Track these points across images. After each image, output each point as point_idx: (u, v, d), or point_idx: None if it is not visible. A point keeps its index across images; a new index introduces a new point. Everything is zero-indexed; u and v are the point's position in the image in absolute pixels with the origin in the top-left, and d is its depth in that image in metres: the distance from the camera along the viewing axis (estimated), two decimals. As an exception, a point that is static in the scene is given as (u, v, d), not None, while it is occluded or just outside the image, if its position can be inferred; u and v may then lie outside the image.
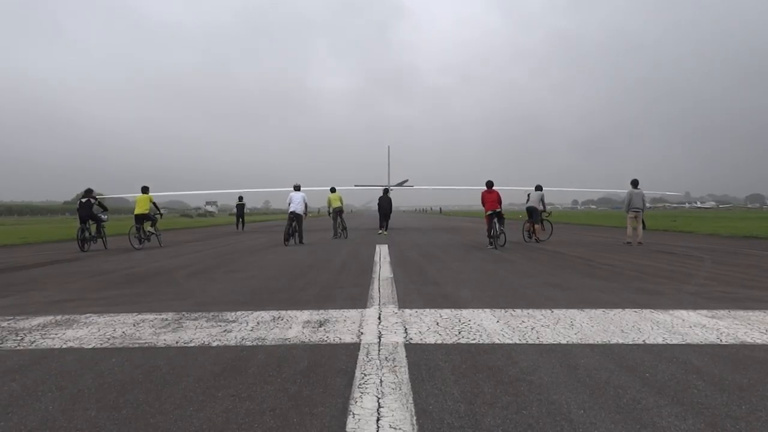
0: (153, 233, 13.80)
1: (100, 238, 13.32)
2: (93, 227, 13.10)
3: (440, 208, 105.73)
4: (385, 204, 19.60)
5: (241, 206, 25.63)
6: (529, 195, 14.82)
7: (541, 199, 14.35)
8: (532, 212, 14.21)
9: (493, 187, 12.59)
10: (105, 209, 13.71)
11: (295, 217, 14.03)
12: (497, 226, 12.05)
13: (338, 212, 16.95)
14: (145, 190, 13.95)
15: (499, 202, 12.34)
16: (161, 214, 14.45)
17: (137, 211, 13.57)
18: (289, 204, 14.24)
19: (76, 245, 12.67)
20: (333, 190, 17.56)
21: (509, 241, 12.75)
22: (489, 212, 12.21)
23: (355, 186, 35.41)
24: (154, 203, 14.01)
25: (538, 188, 14.77)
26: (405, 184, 34.76)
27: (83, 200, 13.19)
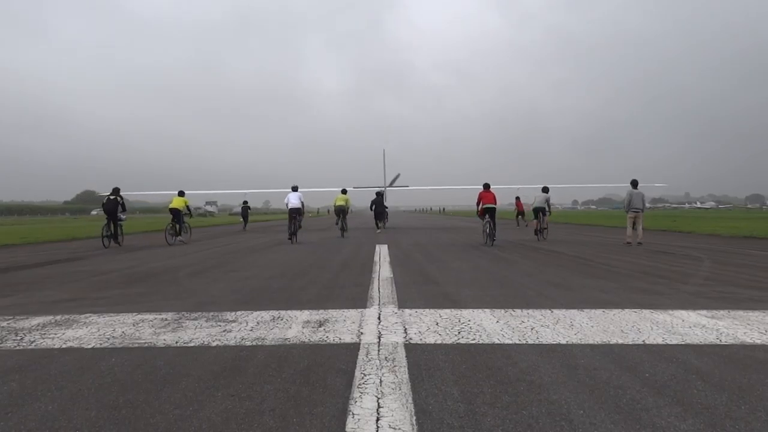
0: (186, 227, 15.27)
1: (118, 235, 14.06)
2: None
3: (443, 208, 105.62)
4: (377, 205, 21.37)
5: (245, 208, 28.25)
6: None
7: (547, 201, 15.14)
8: (539, 212, 14.92)
9: (490, 188, 13.28)
10: (124, 209, 14.36)
11: (296, 211, 15.05)
12: (490, 224, 12.68)
13: (340, 211, 17.41)
14: (181, 194, 15.56)
15: (495, 202, 13.06)
16: (191, 215, 15.81)
17: (172, 206, 14.99)
18: (287, 204, 15.40)
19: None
20: (344, 191, 18.46)
21: (509, 241, 12.82)
22: (484, 206, 12.83)
23: (354, 188, 36.13)
24: (187, 206, 15.41)
25: (545, 190, 15.54)
26: (400, 185, 35.49)
27: (111, 197, 13.95)
